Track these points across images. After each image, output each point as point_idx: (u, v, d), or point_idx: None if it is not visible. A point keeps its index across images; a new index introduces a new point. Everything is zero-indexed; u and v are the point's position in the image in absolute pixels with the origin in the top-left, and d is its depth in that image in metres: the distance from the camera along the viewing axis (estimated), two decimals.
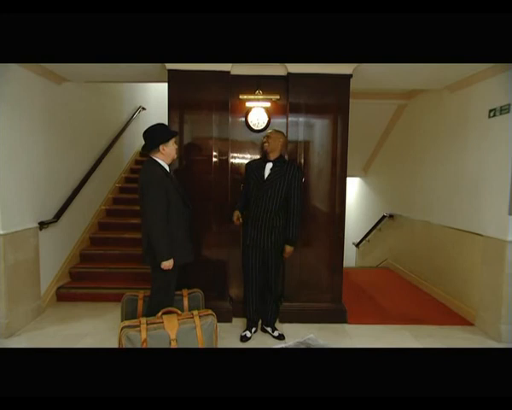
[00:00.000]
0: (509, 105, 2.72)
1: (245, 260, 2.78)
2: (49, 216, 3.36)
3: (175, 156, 2.37)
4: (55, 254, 3.54)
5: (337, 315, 3.11)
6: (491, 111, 2.93)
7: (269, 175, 2.65)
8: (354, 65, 2.89)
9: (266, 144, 2.66)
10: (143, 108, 6.03)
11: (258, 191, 2.65)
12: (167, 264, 2.22)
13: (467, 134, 3.29)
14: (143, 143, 2.31)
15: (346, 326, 3.06)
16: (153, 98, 6.44)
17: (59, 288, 3.54)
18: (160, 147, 2.25)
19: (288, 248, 2.70)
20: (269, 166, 2.67)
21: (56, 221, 3.42)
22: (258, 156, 3.04)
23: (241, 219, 2.74)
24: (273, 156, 2.68)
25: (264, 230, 2.65)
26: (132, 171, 5.54)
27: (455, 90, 3.45)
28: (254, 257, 2.73)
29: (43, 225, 3.20)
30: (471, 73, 3.08)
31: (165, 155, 2.28)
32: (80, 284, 3.67)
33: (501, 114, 2.81)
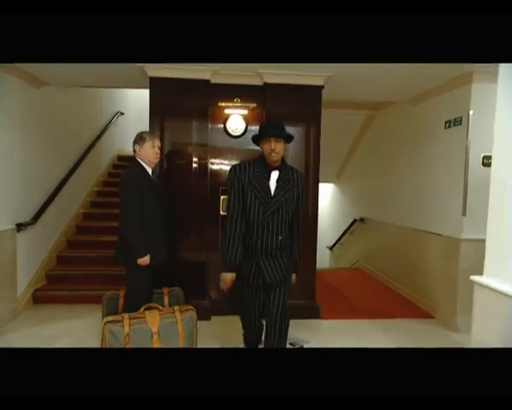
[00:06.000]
0: (461, 117, 3.04)
1: (246, 303, 2.20)
2: (26, 218, 3.35)
3: (152, 160, 2.38)
4: (31, 257, 3.51)
5: (311, 311, 3.29)
6: (446, 123, 3.25)
7: (276, 189, 1.97)
8: (325, 76, 3.12)
9: (274, 155, 1.91)
10: (122, 113, 6.05)
11: (263, 212, 1.96)
12: (143, 260, 2.25)
13: (427, 144, 3.60)
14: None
15: (320, 321, 3.26)
16: (132, 104, 6.47)
17: (35, 290, 3.52)
18: (136, 147, 2.35)
19: (294, 277, 2.23)
20: (274, 175, 1.98)
21: (34, 223, 3.42)
22: (236, 161, 2.95)
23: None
24: (278, 162, 1.99)
25: (274, 259, 2.01)
26: (110, 175, 5.53)
27: (416, 103, 3.77)
28: (259, 296, 2.17)
29: (20, 226, 3.19)
30: (429, 86, 3.38)
31: (142, 157, 2.35)
32: (57, 287, 3.66)
33: (455, 125, 3.13)
